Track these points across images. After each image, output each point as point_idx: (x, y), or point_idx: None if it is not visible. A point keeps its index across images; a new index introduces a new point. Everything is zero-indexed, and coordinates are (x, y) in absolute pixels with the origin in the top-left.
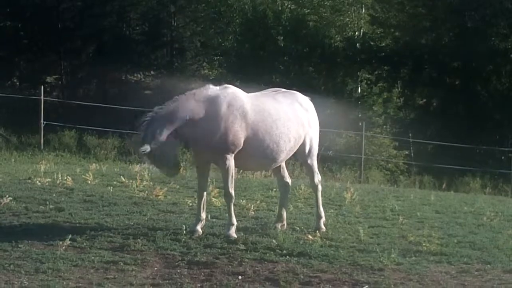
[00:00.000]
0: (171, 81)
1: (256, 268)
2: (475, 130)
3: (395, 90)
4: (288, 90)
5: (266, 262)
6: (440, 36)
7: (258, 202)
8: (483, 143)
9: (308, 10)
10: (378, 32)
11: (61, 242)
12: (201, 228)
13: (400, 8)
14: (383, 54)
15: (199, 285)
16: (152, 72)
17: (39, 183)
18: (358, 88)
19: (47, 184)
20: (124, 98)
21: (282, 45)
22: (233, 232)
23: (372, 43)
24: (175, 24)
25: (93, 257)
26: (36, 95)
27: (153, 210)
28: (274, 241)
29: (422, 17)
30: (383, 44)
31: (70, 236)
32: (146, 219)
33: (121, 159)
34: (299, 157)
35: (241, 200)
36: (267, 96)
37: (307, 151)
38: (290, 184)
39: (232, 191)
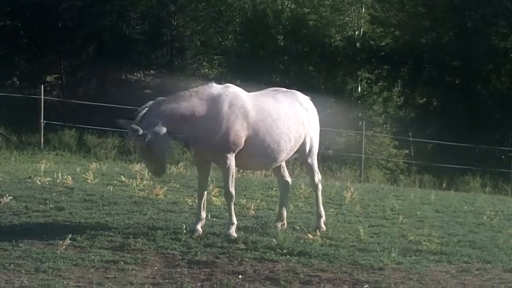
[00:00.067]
0: (171, 80)
1: (256, 267)
2: (475, 129)
3: (395, 89)
4: (288, 90)
5: (266, 261)
6: (440, 35)
7: (258, 201)
8: (483, 142)
9: (308, 10)
10: (378, 32)
11: (61, 242)
12: (201, 227)
13: (400, 8)
14: (383, 53)
15: (199, 284)
16: (152, 72)
17: (39, 182)
18: (358, 87)
19: (47, 183)
20: (124, 97)
21: (282, 44)
22: (233, 231)
23: (372, 43)
24: (175, 23)
25: (93, 257)
26: (36, 94)
27: (153, 209)
28: (274, 240)
29: (422, 16)
30: (383, 44)
31: (70, 235)
32: (146, 218)
33: (121, 158)
34: (300, 156)
35: (241, 199)
36: (268, 95)
37: (307, 150)
38: (290, 183)
39: (232, 190)
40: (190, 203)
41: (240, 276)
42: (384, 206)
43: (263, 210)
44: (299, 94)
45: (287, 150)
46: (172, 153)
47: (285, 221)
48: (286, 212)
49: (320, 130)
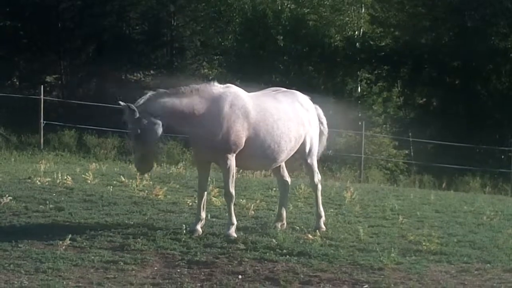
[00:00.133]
0: (171, 81)
1: (256, 268)
2: (475, 129)
3: (395, 89)
4: (288, 90)
5: (266, 262)
6: (440, 35)
7: (258, 201)
8: (483, 143)
9: (308, 10)
10: (378, 32)
11: (61, 242)
12: (201, 228)
13: (400, 8)
14: (383, 53)
15: (199, 284)
16: (152, 72)
17: (39, 183)
18: (358, 87)
19: (47, 183)
20: (124, 97)
21: (281, 44)
22: (233, 232)
23: (372, 43)
24: (175, 23)
25: (93, 257)
26: (36, 94)
27: (153, 210)
28: (274, 240)
29: (422, 16)
30: (383, 44)
31: (70, 235)
32: (146, 218)
33: (121, 158)
34: (299, 156)
35: (241, 200)
36: (268, 95)
37: (307, 150)
38: (289, 183)
39: (232, 190)
40: (190, 204)
41: (240, 276)
42: (384, 206)
43: (263, 211)
44: (299, 94)
45: (287, 151)
46: (172, 153)
47: (284, 221)
48: (286, 212)
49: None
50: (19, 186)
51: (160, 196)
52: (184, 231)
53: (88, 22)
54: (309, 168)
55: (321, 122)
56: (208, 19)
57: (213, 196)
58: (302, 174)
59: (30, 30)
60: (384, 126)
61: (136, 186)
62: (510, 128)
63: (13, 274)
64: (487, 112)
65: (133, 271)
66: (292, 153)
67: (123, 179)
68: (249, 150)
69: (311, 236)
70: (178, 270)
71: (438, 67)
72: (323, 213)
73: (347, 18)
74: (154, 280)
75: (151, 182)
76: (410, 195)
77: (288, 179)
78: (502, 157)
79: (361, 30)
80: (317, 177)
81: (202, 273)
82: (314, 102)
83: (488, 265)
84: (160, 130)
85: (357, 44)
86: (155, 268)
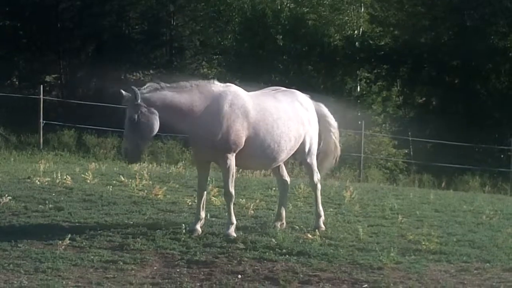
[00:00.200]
0: (171, 80)
1: (256, 267)
2: (474, 128)
3: (394, 88)
4: (288, 89)
5: (265, 261)
6: (440, 34)
7: (257, 201)
8: (482, 142)
9: (307, 9)
10: (377, 31)
11: (60, 242)
12: (201, 227)
13: (399, 7)
14: (382, 52)
15: (198, 284)
16: (151, 71)
17: (38, 183)
18: (357, 87)
19: (46, 183)
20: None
21: (281, 44)
22: (232, 231)
23: (371, 42)
24: (174, 23)
25: (92, 257)
26: (35, 94)
27: (153, 209)
28: (273, 240)
29: (422, 15)
30: (382, 43)
31: (69, 235)
32: (146, 218)
33: (120, 158)
34: (299, 156)
35: (241, 199)
36: (268, 95)
37: (307, 150)
38: (289, 182)
39: (232, 190)
40: (190, 203)
41: (239, 276)
42: (383, 205)
43: (262, 210)
44: (298, 94)
45: (287, 150)
46: (171, 153)
47: (284, 221)
48: (285, 211)
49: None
50: (18, 186)
51: (159, 196)
52: (184, 231)
53: (88, 22)
54: (309, 167)
55: (327, 121)
56: (208, 19)
57: (213, 196)
58: (302, 173)
59: (30, 30)
60: (383, 125)
61: (136, 185)
62: (510, 127)
63: (13, 274)
64: (486, 111)
65: (133, 271)
66: (292, 152)
67: (123, 178)
68: (249, 150)
69: (310, 236)
70: (178, 270)
71: (438, 67)
72: (322, 213)
73: (346, 18)
74: (153, 280)
75: (150, 182)
76: (409, 194)
77: (287, 178)
78: (502, 156)
79: (361, 29)
80: (317, 176)
81: (202, 273)
82: (316, 100)
83: (488, 264)
84: (156, 123)
85: (357, 43)
86: (155, 267)
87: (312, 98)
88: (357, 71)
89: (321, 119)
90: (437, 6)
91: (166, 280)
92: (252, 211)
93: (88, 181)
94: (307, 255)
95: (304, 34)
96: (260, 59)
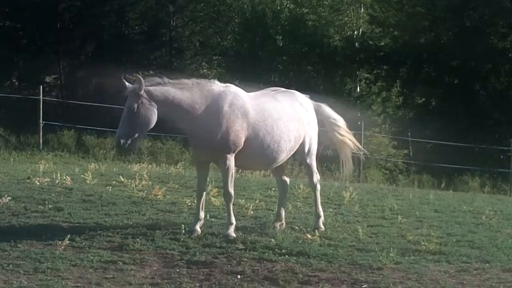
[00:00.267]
0: None
1: (255, 268)
2: (474, 129)
3: (394, 89)
4: (288, 90)
5: (265, 262)
6: (439, 35)
7: (257, 201)
8: (482, 142)
9: (307, 10)
10: (377, 32)
11: (60, 242)
12: (200, 228)
13: (399, 8)
14: (382, 53)
15: (198, 284)
16: (151, 72)
17: (38, 183)
18: (357, 87)
19: (46, 184)
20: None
21: (280, 44)
22: (232, 232)
23: (371, 43)
24: (174, 23)
25: (92, 257)
26: (35, 95)
27: (152, 210)
28: (273, 240)
29: (421, 16)
30: (382, 44)
31: (69, 235)
32: (145, 218)
33: (120, 158)
34: (299, 156)
35: (240, 200)
36: (268, 95)
37: (306, 150)
38: (288, 183)
39: (231, 191)
40: (189, 204)
41: (239, 276)
42: (383, 206)
43: (262, 210)
44: (298, 94)
45: (287, 150)
46: (171, 153)
47: (283, 221)
48: (285, 212)
49: (319, 130)
50: (18, 186)
51: (159, 196)
52: (183, 231)
53: (87, 22)
54: (308, 168)
55: (332, 122)
56: (207, 19)
57: (212, 196)
58: (301, 174)
59: (30, 30)
60: (383, 126)
61: (135, 186)
62: (509, 128)
63: (12, 274)
64: (486, 111)
65: (132, 271)
66: (292, 153)
67: (122, 179)
68: (248, 150)
69: (310, 236)
70: (177, 270)
71: (437, 67)
72: (322, 213)
73: (346, 18)
74: (153, 280)
75: (150, 182)
76: (409, 195)
77: (287, 178)
78: (501, 156)
79: (360, 30)
80: (316, 177)
81: (201, 273)
82: (316, 101)
83: (487, 264)
84: (154, 116)
85: (356, 44)
86: (154, 268)
87: (312, 98)
88: (357, 72)
89: (325, 120)
90: (437, 6)
91: (166, 281)
92: (252, 212)
93: (88, 181)
94: (307, 256)
95: (304, 35)
96: (260, 60)
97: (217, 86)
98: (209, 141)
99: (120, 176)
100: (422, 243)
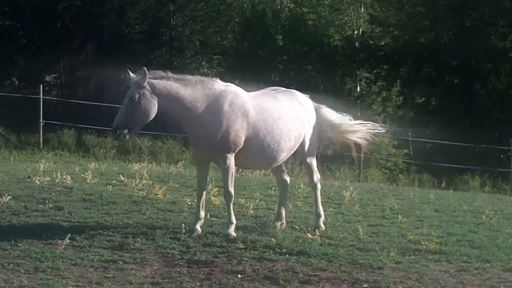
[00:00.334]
0: None
1: (256, 267)
2: (474, 128)
3: (394, 89)
4: (288, 89)
5: (265, 261)
6: (439, 35)
7: (257, 201)
8: (482, 142)
9: (307, 9)
10: (377, 31)
11: (60, 241)
12: (200, 227)
13: (399, 7)
14: (382, 53)
15: (198, 283)
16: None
17: (38, 182)
18: (357, 87)
19: (46, 183)
20: (123, 97)
21: (281, 44)
22: (232, 231)
23: (371, 42)
24: (174, 23)
25: (92, 256)
26: (35, 94)
27: (152, 209)
28: (273, 239)
29: (421, 16)
30: (382, 43)
31: (69, 235)
32: (145, 218)
33: (120, 158)
34: (299, 156)
35: (240, 199)
36: (268, 95)
37: (306, 149)
38: (288, 182)
39: (232, 190)
40: (189, 203)
41: (239, 276)
42: (383, 205)
43: (262, 210)
44: (298, 94)
45: (287, 150)
46: (171, 153)
47: (284, 221)
48: (285, 211)
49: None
50: (18, 185)
51: (159, 196)
52: (184, 230)
53: (87, 21)
54: (309, 167)
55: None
56: (207, 19)
57: (213, 196)
58: (302, 173)
59: (30, 29)
60: (383, 125)
61: (136, 185)
62: (509, 128)
63: (13, 273)
64: (486, 111)
65: (133, 270)
66: (292, 152)
67: (123, 178)
68: (248, 150)
69: (310, 235)
70: (178, 269)
71: (438, 67)
72: (322, 213)
73: (346, 18)
74: (153, 279)
75: (150, 182)
76: (409, 194)
77: (287, 178)
78: (501, 156)
79: (360, 29)
80: (317, 176)
81: (202, 272)
82: (316, 101)
83: (488, 264)
84: (154, 109)
85: (356, 43)
86: (155, 267)
87: (312, 98)
88: (357, 71)
89: (324, 123)
90: (437, 6)
91: (166, 280)
92: (252, 211)
93: (88, 180)
94: (307, 255)
95: (304, 34)
96: (260, 59)
97: (218, 85)
98: (209, 141)
99: (120, 175)
100: (423, 243)
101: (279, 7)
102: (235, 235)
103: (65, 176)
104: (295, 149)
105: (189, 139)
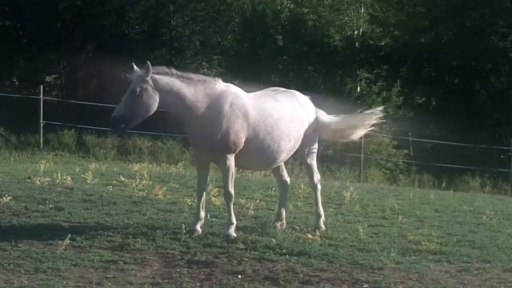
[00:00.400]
0: None
1: (256, 267)
2: (474, 129)
3: (394, 89)
4: (288, 90)
5: (265, 261)
6: (439, 35)
7: (257, 201)
8: (482, 142)
9: (307, 9)
10: (377, 31)
11: (60, 242)
12: (201, 227)
13: (399, 7)
14: (382, 53)
15: (198, 284)
16: None
17: (38, 183)
18: (357, 87)
19: (46, 183)
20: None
21: (281, 44)
22: (232, 231)
23: (371, 42)
24: (174, 23)
25: (92, 257)
26: (35, 94)
27: (153, 210)
28: (273, 240)
29: (421, 16)
30: (382, 43)
31: (69, 235)
32: (146, 218)
33: (120, 158)
34: (299, 156)
35: (241, 199)
36: (268, 95)
37: (306, 150)
38: (289, 183)
39: (232, 190)
40: (189, 203)
41: (240, 276)
42: (384, 206)
43: (263, 210)
44: (298, 94)
45: (287, 150)
46: (171, 153)
47: (284, 221)
48: (285, 212)
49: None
50: (18, 186)
51: (159, 196)
52: (184, 231)
53: (88, 21)
54: (309, 167)
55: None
56: (208, 19)
57: (213, 196)
58: (302, 174)
59: (30, 29)
60: (383, 125)
61: (136, 186)
62: (509, 128)
63: (13, 274)
64: (486, 111)
65: (133, 271)
66: (292, 153)
67: (123, 178)
68: (249, 150)
69: (310, 236)
70: (178, 270)
71: (438, 67)
72: (322, 213)
73: (346, 18)
74: (153, 280)
75: (150, 182)
76: (409, 194)
77: (287, 178)
78: (502, 156)
79: (361, 29)
80: (317, 176)
81: (202, 273)
82: (316, 101)
83: (488, 264)
84: (155, 104)
85: (357, 43)
86: (155, 267)
87: (312, 98)
88: (357, 72)
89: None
90: (437, 6)
91: (166, 280)
92: (252, 211)
93: (88, 181)
94: (307, 255)
95: (304, 35)
96: (260, 60)
97: (219, 85)
98: (209, 141)
99: (121, 176)
100: (423, 243)
101: (279, 8)
102: (235, 235)
103: (65, 177)
104: (295, 150)
105: (189, 139)
